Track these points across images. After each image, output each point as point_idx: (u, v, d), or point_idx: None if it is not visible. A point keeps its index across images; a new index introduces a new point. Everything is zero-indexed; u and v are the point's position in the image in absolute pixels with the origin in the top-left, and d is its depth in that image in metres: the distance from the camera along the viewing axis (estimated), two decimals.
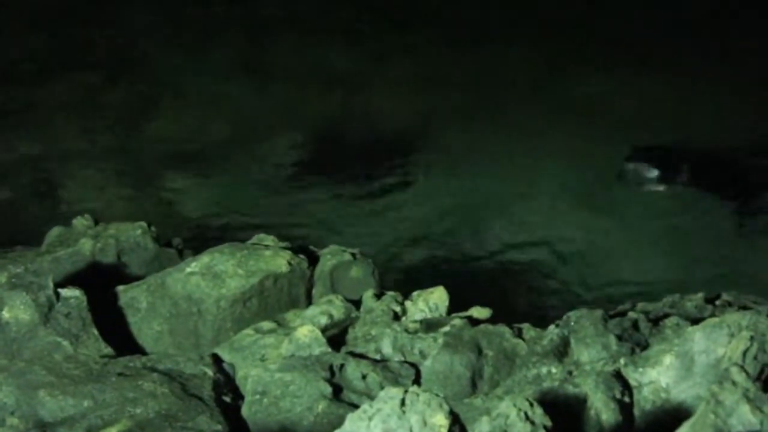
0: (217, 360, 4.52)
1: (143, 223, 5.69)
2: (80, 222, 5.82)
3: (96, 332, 4.51)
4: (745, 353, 3.45)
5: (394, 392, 2.87)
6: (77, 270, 5.33)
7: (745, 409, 2.81)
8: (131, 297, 5.03)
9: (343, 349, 4.50)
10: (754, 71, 11.99)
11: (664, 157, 9.66)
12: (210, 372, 4.31)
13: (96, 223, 5.84)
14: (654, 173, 9.43)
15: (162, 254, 5.67)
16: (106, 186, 9.86)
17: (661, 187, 9.38)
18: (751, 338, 3.49)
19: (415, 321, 4.66)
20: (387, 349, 4.45)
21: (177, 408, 3.93)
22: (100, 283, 5.06)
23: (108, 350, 4.46)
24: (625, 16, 13.86)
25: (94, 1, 14.17)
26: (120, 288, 5.08)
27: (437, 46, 13.38)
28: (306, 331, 4.46)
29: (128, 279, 5.29)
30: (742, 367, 2.94)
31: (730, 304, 4.57)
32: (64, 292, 4.55)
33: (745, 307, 4.35)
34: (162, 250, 5.69)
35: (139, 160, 10.51)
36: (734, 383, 2.85)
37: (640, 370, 3.79)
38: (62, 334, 4.41)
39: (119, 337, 4.76)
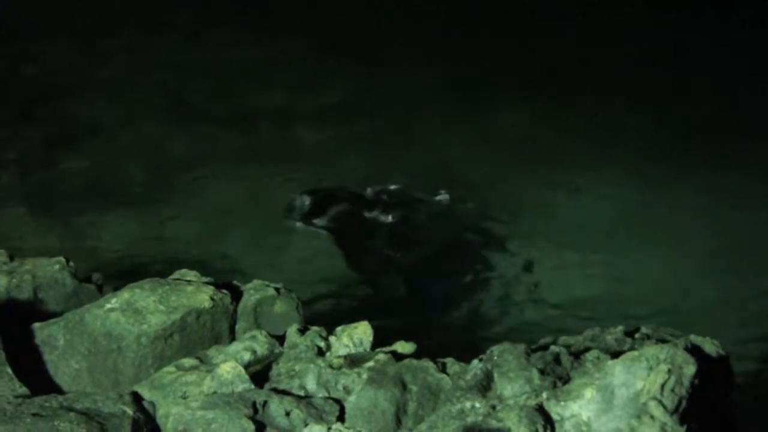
0: (137, 398, 4.43)
1: (61, 259, 5.57)
2: None
3: (10, 371, 4.38)
4: (663, 386, 3.52)
5: (318, 429, 2.86)
6: None
7: None
8: (48, 334, 4.91)
9: (267, 386, 4.46)
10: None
11: (328, 197, 10.40)
12: (130, 411, 4.22)
13: (11, 258, 5.70)
14: (304, 211, 10.21)
15: (81, 290, 5.55)
16: (23, 221, 9.64)
17: (302, 224, 10.03)
18: (669, 371, 3.56)
19: (340, 356, 4.64)
20: (311, 385, 4.42)
21: None
22: (16, 320, 4.93)
23: (23, 390, 4.33)
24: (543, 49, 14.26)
25: (11, 35, 13.95)
26: (36, 325, 4.95)
27: (355, 74, 13.56)
28: (228, 367, 4.41)
29: (45, 316, 5.16)
30: (660, 402, 2.99)
31: (648, 337, 4.65)
32: None
33: (663, 340, 4.43)
34: (81, 286, 5.57)
35: (58, 195, 10.31)
36: (652, 417, 2.90)
37: (562, 403, 3.83)
38: None
39: (35, 375, 4.63)
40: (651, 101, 12.76)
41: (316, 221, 9.98)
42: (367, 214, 10.16)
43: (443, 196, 10.39)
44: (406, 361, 4.49)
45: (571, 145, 11.62)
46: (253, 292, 5.46)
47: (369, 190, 10.52)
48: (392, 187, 10.61)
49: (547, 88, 13.12)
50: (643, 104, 12.66)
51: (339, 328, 4.93)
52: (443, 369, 4.48)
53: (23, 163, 11.02)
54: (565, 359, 4.22)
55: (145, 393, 4.50)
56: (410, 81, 13.40)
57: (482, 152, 11.44)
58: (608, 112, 12.45)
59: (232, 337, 5.19)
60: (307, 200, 10.28)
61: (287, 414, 4.11)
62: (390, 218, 10.07)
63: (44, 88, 12.90)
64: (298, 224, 9.95)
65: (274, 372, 4.61)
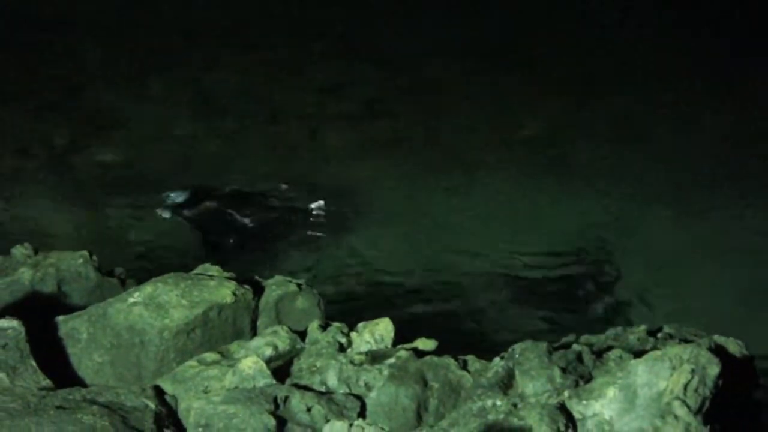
0: (159, 392, 4.45)
1: (85, 252, 5.60)
2: (19, 251, 5.71)
3: (34, 364, 4.41)
4: (686, 386, 3.50)
5: (339, 425, 2.86)
6: (15, 300, 5.22)
7: None
8: (71, 327, 4.94)
9: (288, 381, 4.46)
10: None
11: (201, 193, 10.44)
12: (152, 404, 4.24)
13: (36, 252, 5.74)
14: (173, 203, 10.25)
15: (104, 284, 5.58)
16: (47, 214, 9.70)
17: (169, 214, 10.07)
18: (692, 371, 3.54)
19: (361, 353, 4.64)
20: (332, 381, 4.42)
21: None
22: (40, 313, 4.96)
23: (46, 382, 4.36)
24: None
25: (36, 28, 14.03)
26: (60, 318, 4.98)
27: (381, 77, 13.52)
28: (250, 362, 4.42)
29: (69, 309, 5.19)
30: (683, 401, 2.97)
31: (671, 337, 4.63)
32: (2, 322, 4.45)
33: (686, 340, 4.41)
34: (104, 280, 5.60)
35: (81, 188, 10.37)
36: (676, 417, 2.88)
37: (584, 402, 3.81)
38: None
39: (58, 368, 4.66)
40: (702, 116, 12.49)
41: (184, 213, 10.03)
42: (233, 212, 10.18)
43: (318, 203, 10.38)
44: (428, 358, 4.49)
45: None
46: (274, 287, 5.47)
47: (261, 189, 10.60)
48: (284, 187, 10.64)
49: (574, 91, 13.00)
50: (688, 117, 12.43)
51: (360, 325, 4.93)
52: (464, 366, 4.47)
53: (47, 156, 11.08)
54: (588, 358, 4.20)
55: (167, 387, 4.52)
56: (434, 85, 13.36)
57: (504, 159, 11.36)
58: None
59: (254, 333, 5.20)
60: (180, 194, 10.34)
61: (308, 410, 4.11)
62: (250, 218, 10.12)
63: (70, 79, 12.96)
64: (163, 212, 9.98)
65: (295, 368, 4.62)
